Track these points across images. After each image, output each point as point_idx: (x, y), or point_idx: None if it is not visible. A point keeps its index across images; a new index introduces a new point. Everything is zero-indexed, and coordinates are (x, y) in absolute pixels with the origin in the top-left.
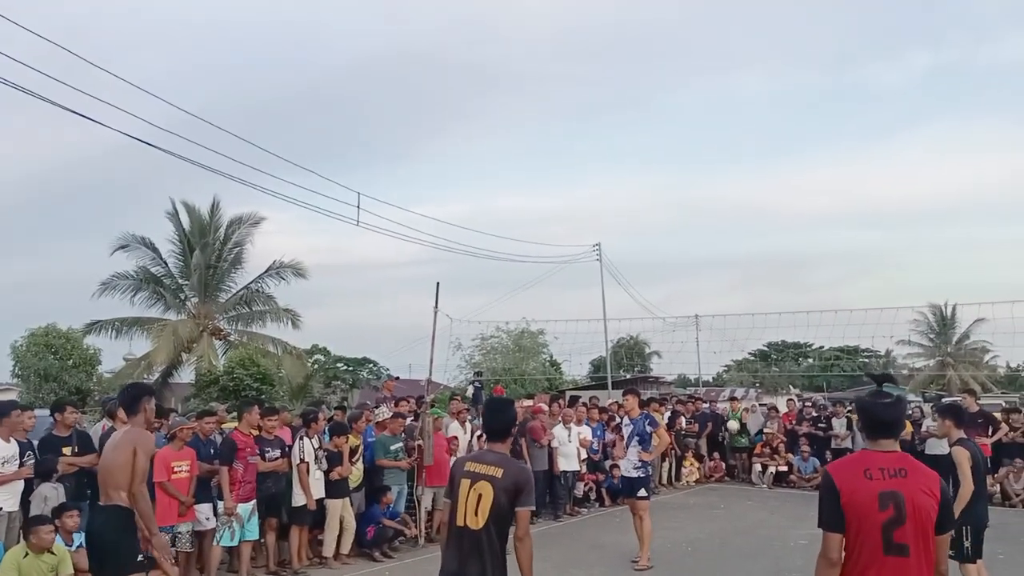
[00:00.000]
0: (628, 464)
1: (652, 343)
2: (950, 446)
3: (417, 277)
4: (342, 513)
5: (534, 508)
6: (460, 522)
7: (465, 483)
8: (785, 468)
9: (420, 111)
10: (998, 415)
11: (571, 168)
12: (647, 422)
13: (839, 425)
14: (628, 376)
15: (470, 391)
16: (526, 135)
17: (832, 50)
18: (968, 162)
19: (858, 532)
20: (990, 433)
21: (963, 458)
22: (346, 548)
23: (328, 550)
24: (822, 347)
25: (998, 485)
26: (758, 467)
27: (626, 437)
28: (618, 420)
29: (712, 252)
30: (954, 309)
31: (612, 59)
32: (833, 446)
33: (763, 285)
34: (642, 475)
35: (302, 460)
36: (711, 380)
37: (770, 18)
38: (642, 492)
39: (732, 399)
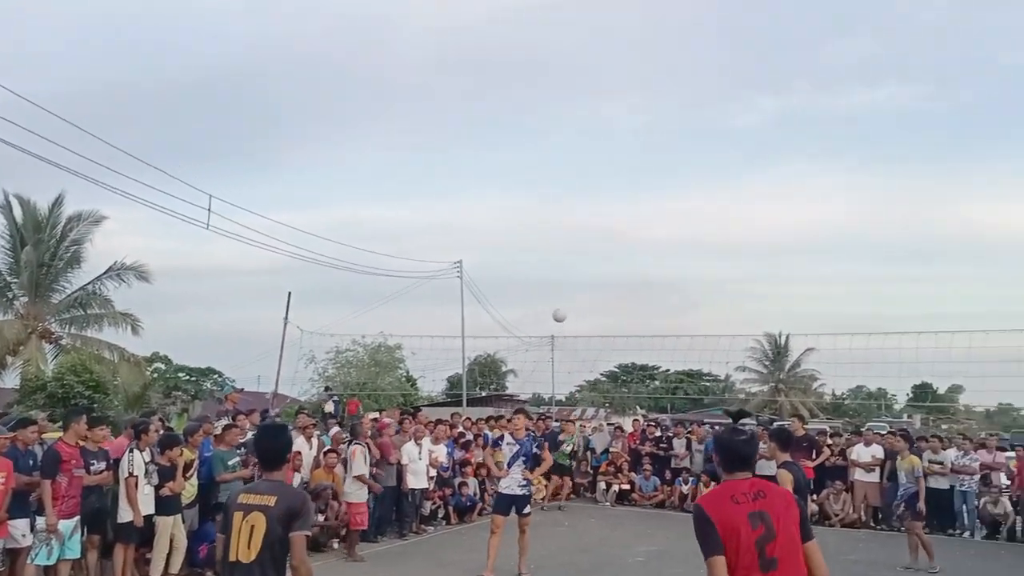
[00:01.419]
0: (512, 482)
1: (508, 362)
2: (777, 468)
3: (271, 286)
4: (173, 530)
5: (310, 533)
6: (232, 557)
7: (238, 516)
8: (628, 486)
9: (283, 115)
10: (822, 439)
11: (437, 183)
12: (535, 444)
13: (679, 445)
14: (484, 394)
15: (330, 406)
16: (392, 147)
17: (693, 89)
18: (805, 203)
19: (735, 553)
20: (814, 456)
21: (786, 480)
22: (176, 567)
23: (156, 570)
24: (668, 370)
25: (818, 506)
26: (602, 485)
27: (509, 456)
28: (488, 437)
29: (570, 274)
30: (787, 339)
31: (484, 78)
32: (673, 465)
33: (617, 308)
34: (527, 493)
35: (130, 474)
36: (564, 400)
37: (636, 53)
38: (527, 509)
39: (568, 422)
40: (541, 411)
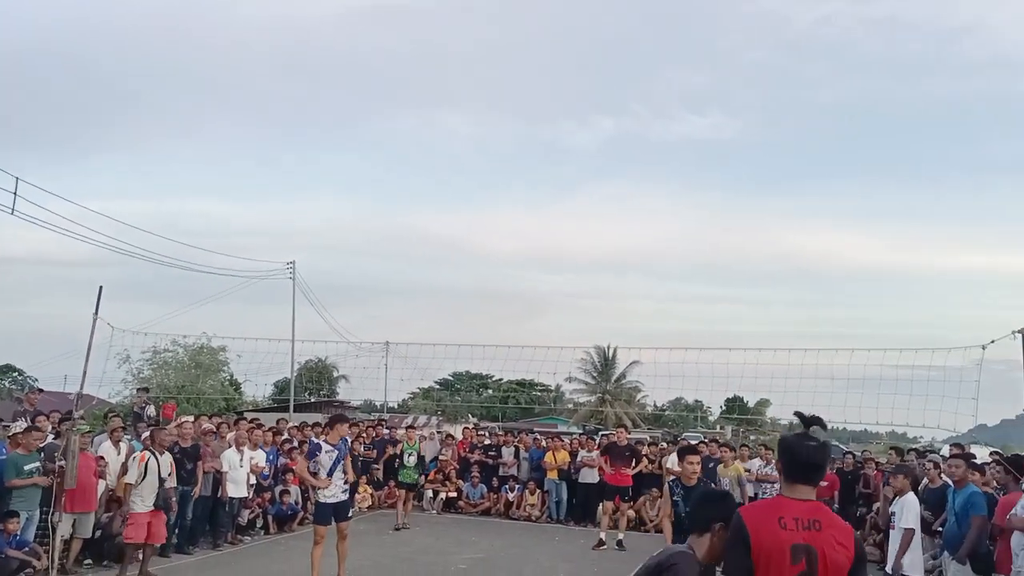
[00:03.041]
0: (336, 489)
1: (340, 367)
2: None
3: (83, 279)
4: None
5: None
6: None
7: None
8: (455, 494)
9: (105, 101)
10: (642, 448)
11: (271, 182)
12: (348, 446)
13: (507, 453)
14: (313, 399)
15: (151, 409)
16: (224, 141)
17: (530, 105)
18: (632, 222)
19: None
20: (633, 465)
21: None
22: None
23: None
24: (501, 379)
25: (635, 512)
26: (429, 493)
27: (330, 464)
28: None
29: (407, 280)
30: (615, 351)
31: (319, 80)
32: (501, 473)
33: (454, 316)
34: (347, 498)
35: None
36: (396, 407)
37: (476, 65)
38: (349, 514)
39: (410, 428)
40: (373, 418)
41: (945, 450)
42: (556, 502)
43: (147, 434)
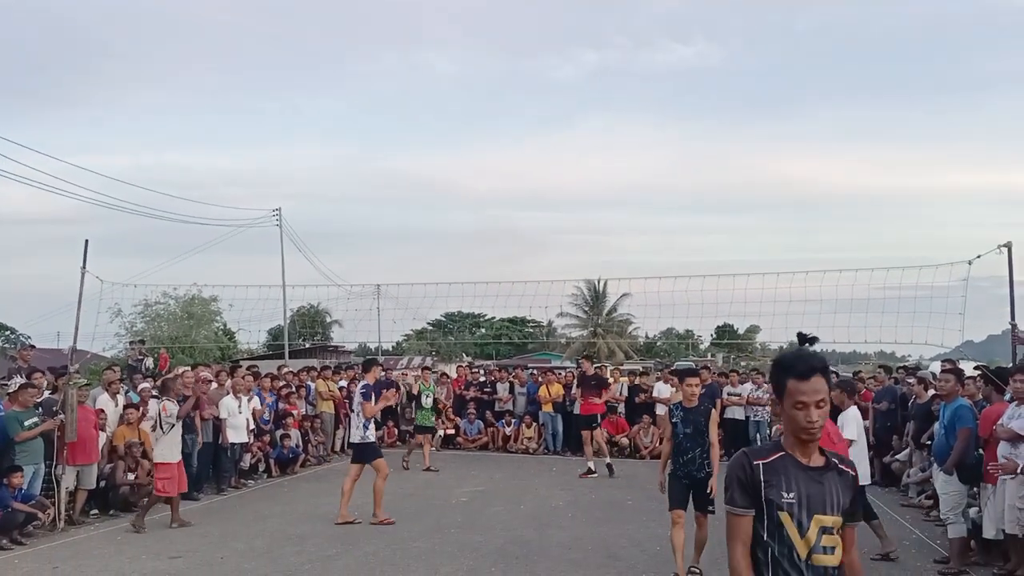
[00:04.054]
0: (374, 428)
1: (333, 312)
2: None
3: (70, 235)
4: None
5: None
6: None
7: None
8: (453, 431)
9: (81, 54)
10: (611, 378)
11: (253, 129)
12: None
13: (502, 389)
14: (308, 345)
15: (150, 362)
16: (203, 89)
17: (512, 40)
18: (620, 155)
19: None
20: (601, 393)
21: None
22: None
23: None
24: (493, 318)
25: (630, 440)
26: None
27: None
28: (311, 389)
29: (396, 224)
30: (605, 284)
31: (301, 20)
32: (497, 408)
33: (444, 259)
34: None
35: None
36: (391, 349)
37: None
38: None
39: (425, 369)
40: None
41: (935, 366)
42: (552, 434)
43: (143, 386)
